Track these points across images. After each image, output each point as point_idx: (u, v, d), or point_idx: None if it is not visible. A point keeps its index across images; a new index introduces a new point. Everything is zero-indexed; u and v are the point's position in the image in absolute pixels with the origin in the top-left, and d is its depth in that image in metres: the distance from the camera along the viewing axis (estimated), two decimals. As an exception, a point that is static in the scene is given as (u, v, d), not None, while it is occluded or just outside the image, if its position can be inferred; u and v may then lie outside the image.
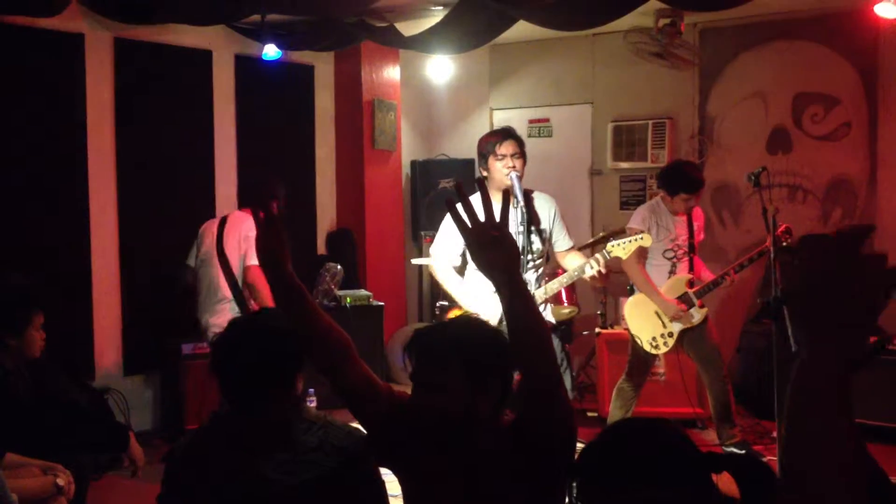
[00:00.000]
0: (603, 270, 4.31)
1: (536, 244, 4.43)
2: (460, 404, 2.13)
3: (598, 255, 4.32)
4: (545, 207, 4.53)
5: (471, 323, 2.38)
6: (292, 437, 2.40)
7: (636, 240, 4.35)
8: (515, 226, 4.28)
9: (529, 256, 4.31)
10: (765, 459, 5.38)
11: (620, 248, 4.34)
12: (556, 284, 4.40)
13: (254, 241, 5.63)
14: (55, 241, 5.98)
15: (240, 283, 5.55)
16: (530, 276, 4.34)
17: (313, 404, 6.04)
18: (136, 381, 6.40)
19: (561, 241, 4.58)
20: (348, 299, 7.04)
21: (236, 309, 5.47)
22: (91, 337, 6.18)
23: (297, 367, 2.47)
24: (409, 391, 2.24)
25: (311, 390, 6.08)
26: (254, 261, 5.46)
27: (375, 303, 7.20)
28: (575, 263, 4.46)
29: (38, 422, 3.79)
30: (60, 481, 3.52)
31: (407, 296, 8.47)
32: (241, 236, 5.56)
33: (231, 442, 2.40)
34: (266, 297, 5.44)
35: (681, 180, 5.47)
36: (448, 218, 4.56)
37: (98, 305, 6.22)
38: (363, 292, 7.26)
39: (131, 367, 6.39)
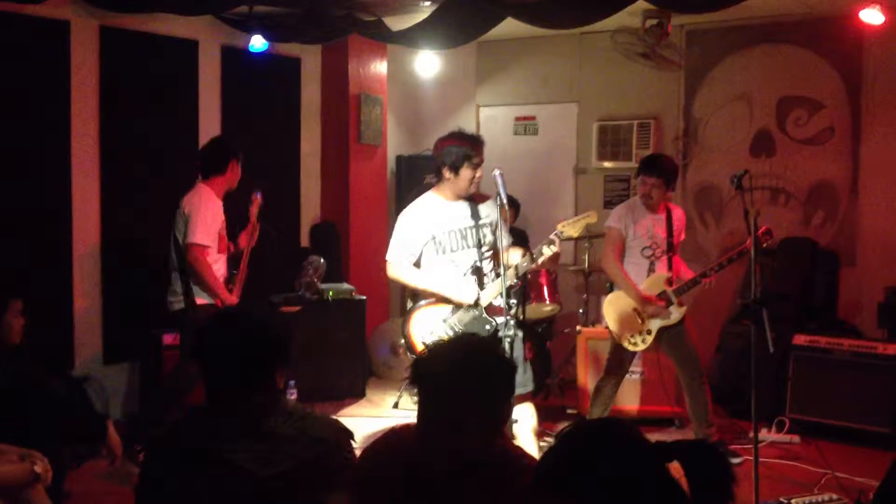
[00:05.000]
0: (558, 250, 4.43)
1: (488, 237, 4.58)
2: (483, 444, 2.15)
3: (551, 236, 4.43)
4: (489, 205, 4.65)
5: (480, 350, 2.30)
6: (270, 428, 2.40)
7: (584, 217, 4.53)
8: (469, 221, 4.51)
9: (484, 248, 4.53)
10: (740, 459, 5.45)
11: (571, 227, 4.48)
12: (520, 269, 4.44)
13: (196, 215, 5.34)
14: (37, 228, 5.95)
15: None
16: (486, 267, 4.52)
17: (293, 396, 6.06)
18: (115, 369, 6.37)
19: (503, 237, 4.68)
20: (331, 293, 7.04)
21: (179, 282, 5.26)
22: (71, 325, 6.16)
23: (279, 361, 2.47)
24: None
25: (292, 382, 6.09)
26: (194, 238, 5.26)
27: (358, 297, 7.21)
28: (515, 257, 4.54)
29: (15, 409, 3.78)
30: (38, 469, 3.51)
31: (390, 290, 8.47)
32: (181, 213, 5.39)
33: (208, 433, 2.40)
34: (210, 283, 5.25)
35: (643, 162, 5.73)
36: (401, 221, 4.64)
37: (78, 293, 6.20)
38: (346, 286, 7.26)
39: (111, 356, 6.37)
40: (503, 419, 2.26)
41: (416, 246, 4.59)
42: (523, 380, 4.52)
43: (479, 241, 4.39)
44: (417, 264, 4.63)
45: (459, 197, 4.56)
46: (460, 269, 4.51)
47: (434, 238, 4.54)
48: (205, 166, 5.58)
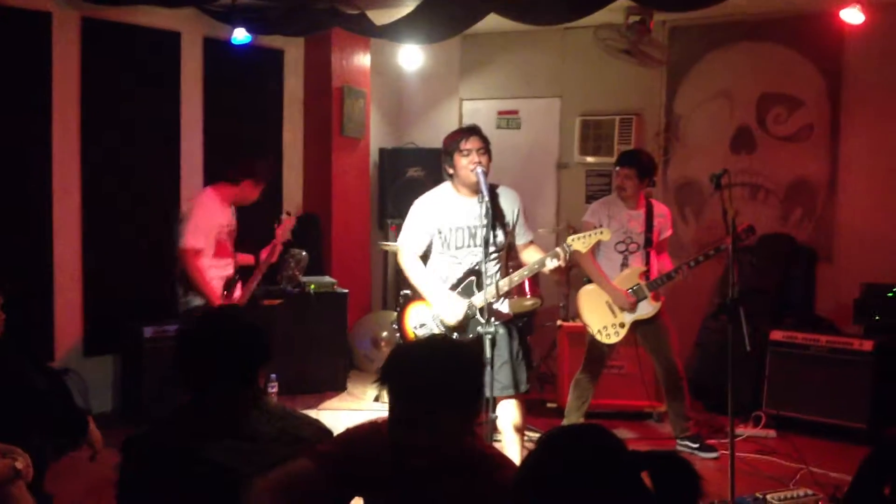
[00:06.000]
0: (563, 264, 4.36)
1: (500, 237, 4.47)
2: (454, 444, 2.19)
3: (558, 249, 4.35)
4: (509, 202, 4.57)
5: (448, 350, 2.32)
6: (252, 427, 2.43)
7: (596, 234, 4.42)
8: (479, 220, 4.32)
9: (492, 248, 4.36)
10: (717, 454, 5.52)
11: (580, 242, 4.39)
12: (517, 277, 4.45)
13: (189, 218, 5.42)
14: (16, 220, 5.93)
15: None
16: (491, 269, 4.38)
17: (275, 390, 6.08)
18: (95, 362, 6.36)
19: (521, 235, 4.63)
20: (312, 286, 7.06)
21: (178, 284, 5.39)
22: (51, 317, 6.14)
23: (260, 362, 2.49)
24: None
25: (273, 376, 6.12)
26: (186, 243, 5.27)
27: (340, 290, 7.22)
28: (534, 257, 4.50)
29: (-4, 404, 3.77)
30: (19, 465, 3.49)
31: (371, 283, 8.49)
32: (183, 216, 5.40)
33: (190, 432, 2.42)
34: (203, 288, 5.25)
35: (619, 155, 5.89)
36: (414, 208, 4.60)
37: (59, 286, 6.18)
38: (328, 279, 7.28)
39: (91, 349, 6.36)
40: (472, 418, 2.28)
41: (422, 236, 4.53)
42: (518, 379, 4.54)
43: (488, 240, 4.26)
44: (427, 254, 4.59)
45: (474, 192, 4.42)
46: (463, 267, 4.46)
47: (440, 232, 4.49)
48: (223, 168, 5.62)
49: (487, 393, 4.16)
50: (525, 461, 1.69)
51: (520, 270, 4.47)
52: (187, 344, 2.50)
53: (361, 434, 2.41)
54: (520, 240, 4.64)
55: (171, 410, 2.59)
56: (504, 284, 4.41)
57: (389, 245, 7.85)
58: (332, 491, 2.33)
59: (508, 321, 4.58)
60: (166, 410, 2.63)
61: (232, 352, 2.44)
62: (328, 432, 2.53)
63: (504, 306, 4.59)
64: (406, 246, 4.59)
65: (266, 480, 2.26)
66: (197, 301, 5.36)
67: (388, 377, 2.22)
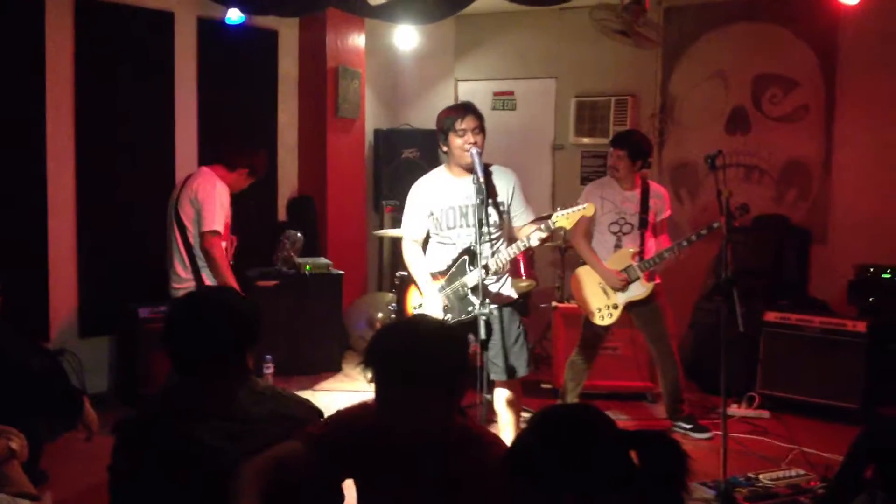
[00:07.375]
0: (546, 235, 4.29)
1: (493, 217, 4.44)
2: (440, 424, 2.20)
3: (542, 226, 4.30)
4: (504, 181, 4.54)
5: (429, 329, 2.32)
6: (241, 408, 2.43)
7: (580, 209, 4.35)
8: (471, 199, 4.31)
9: (485, 229, 4.34)
10: (710, 434, 5.55)
11: (564, 218, 4.33)
12: (504, 255, 4.40)
13: (211, 202, 5.44)
14: (11, 201, 5.91)
15: (196, 250, 5.38)
16: (486, 249, 4.36)
17: (270, 371, 6.08)
18: (91, 343, 6.36)
19: (520, 216, 4.59)
20: (307, 267, 7.06)
21: (183, 267, 5.37)
22: (46, 297, 6.14)
23: (247, 344, 2.49)
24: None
25: (269, 357, 6.12)
26: (211, 226, 5.35)
27: (335, 271, 7.22)
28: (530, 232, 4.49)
29: (-9, 385, 3.77)
30: (14, 445, 3.50)
31: (367, 265, 8.49)
32: (190, 198, 5.41)
33: (180, 413, 2.42)
34: (223, 270, 5.31)
35: (613, 136, 5.91)
36: (410, 193, 4.60)
37: (54, 267, 6.17)
38: (323, 260, 7.27)
39: (87, 329, 6.36)
40: (458, 397, 2.28)
41: (420, 220, 4.54)
42: (515, 364, 4.53)
43: (481, 220, 4.22)
44: (428, 237, 4.60)
45: (467, 171, 4.40)
46: (457, 247, 4.45)
47: (432, 214, 4.49)
48: (219, 151, 5.55)
49: (483, 376, 4.17)
50: (516, 439, 1.70)
51: (506, 249, 4.42)
52: (174, 325, 2.49)
53: (351, 416, 2.42)
54: (518, 220, 4.59)
55: (160, 392, 2.60)
56: (492, 264, 4.38)
57: (384, 233, 7.86)
58: (322, 473, 2.34)
59: (507, 304, 4.56)
60: (159, 391, 2.64)
61: (219, 332, 2.44)
62: (319, 412, 2.54)
63: (505, 288, 4.58)
64: (406, 234, 4.62)
65: (256, 462, 2.26)
66: (185, 289, 5.34)
67: (372, 359, 2.22)
